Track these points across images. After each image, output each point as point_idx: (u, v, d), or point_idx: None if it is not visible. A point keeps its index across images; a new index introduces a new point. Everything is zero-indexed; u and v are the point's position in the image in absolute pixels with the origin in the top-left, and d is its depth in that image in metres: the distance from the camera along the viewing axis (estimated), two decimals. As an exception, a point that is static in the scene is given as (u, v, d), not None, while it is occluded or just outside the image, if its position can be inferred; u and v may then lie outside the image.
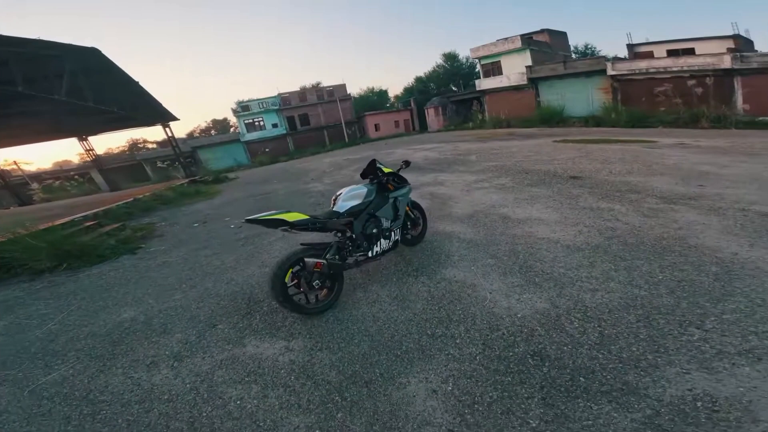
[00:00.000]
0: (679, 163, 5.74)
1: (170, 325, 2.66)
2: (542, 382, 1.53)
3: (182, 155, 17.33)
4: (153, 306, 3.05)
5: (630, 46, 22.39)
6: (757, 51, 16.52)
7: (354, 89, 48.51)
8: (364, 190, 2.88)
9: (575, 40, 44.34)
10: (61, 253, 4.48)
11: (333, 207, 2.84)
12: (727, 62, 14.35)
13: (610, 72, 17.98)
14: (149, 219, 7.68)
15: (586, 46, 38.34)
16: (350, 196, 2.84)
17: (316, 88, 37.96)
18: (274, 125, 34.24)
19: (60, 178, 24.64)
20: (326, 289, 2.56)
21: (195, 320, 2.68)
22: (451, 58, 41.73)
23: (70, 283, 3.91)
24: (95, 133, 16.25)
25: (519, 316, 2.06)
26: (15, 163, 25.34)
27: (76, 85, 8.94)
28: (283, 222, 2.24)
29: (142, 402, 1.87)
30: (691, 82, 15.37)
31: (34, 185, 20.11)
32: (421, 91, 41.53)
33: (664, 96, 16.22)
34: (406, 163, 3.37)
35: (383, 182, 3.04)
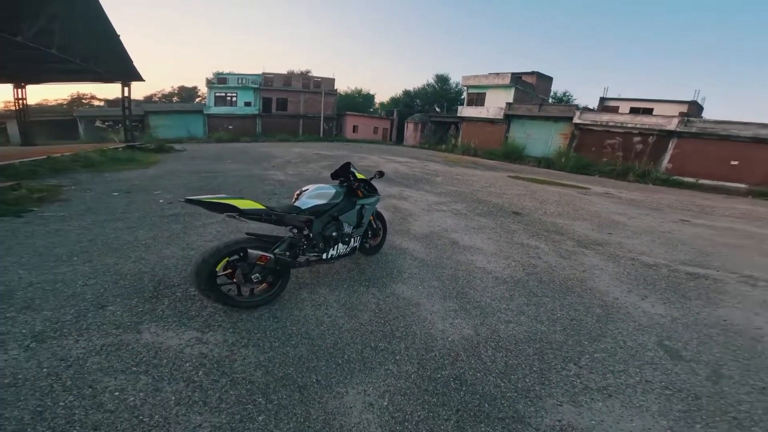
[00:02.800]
0: (600, 211, 7.07)
1: (39, 301, 2.39)
2: (458, 406, 1.88)
3: (129, 118, 15.83)
4: (22, 277, 2.72)
5: (602, 99, 26.42)
6: (702, 117, 20.36)
7: (341, 86, 50.31)
8: (333, 191, 2.93)
9: (559, 86, 51.00)
10: None
11: (294, 201, 2.83)
12: (673, 124, 17.51)
13: (576, 120, 20.85)
14: (57, 181, 6.76)
15: (564, 93, 43.31)
16: (316, 194, 2.87)
17: (304, 76, 37.74)
18: (247, 104, 33.61)
19: None
20: (267, 283, 2.56)
21: (77, 298, 2.47)
22: (442, 80, 44.48)
23: None
24: (40, 82, 14.18)
25: (449, 339, 2.47)
26: None
27: (47, 28, 7.74)
28: (233, 208, 2.15)
29: None
30: (636, 139, 18.50)
31: None
32: (406, 105, 43.84)
33: (610, 148, 19.42)
34: (380, 174, 3.56)
35: (353, 187, 3.13)
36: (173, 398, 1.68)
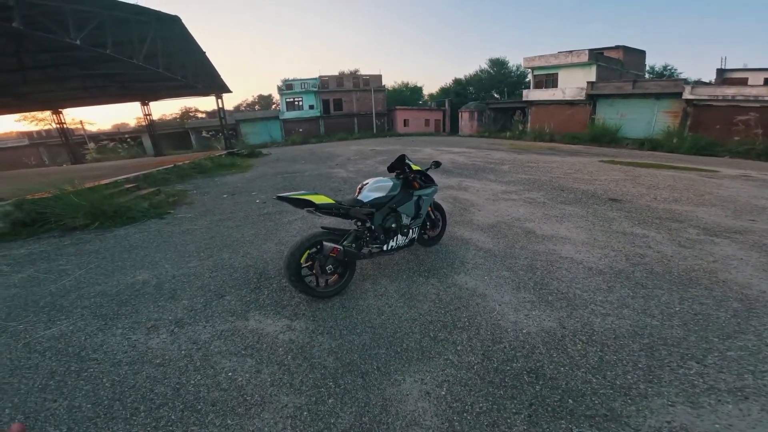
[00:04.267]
0: (735, 196, 5.51)
1: (180, 292, 2.93)
2: (532, 400, 1.71)
3: (226, 127, 19.06)
4: (167, 271, 3.37)
5: (720, 71, 22.14)
6: None
7: (388, 81, 51.62)
8: (390, 183, 3.05)
9: (655, 60, 44.37)
10: (97, 212, 5.05)
11: (357, 195, 2.98)
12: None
13: (686, 96, 17.77)
14: (183, 186, 8.49)
15: (665, 67, 37.38)
16: (376, 187, 3.00)
17: (354, 75, 39.94)
18: (311, 107, 37.01)
19: (115, 139, 28.04)
20: (337, 275, 2.78)
21: (205, 289, 2.97)
22: (498, 64, 42.27)
23: (96, 242, 4.40)
24: (157, 98, 18.00)
25: (524, 331, 2.24)
26: (81, 122, 28.59)
27: (152, 51, 9.96)
28: (310, 203, 2.46)
29: (133, 364, 2.04)
30: (782, 113, 14.42)
31: (91, 145, 23.04)
32: (457, 93, 42.58)
33: (744, 125, 15.66)
34: (436, 164, 3.54)
35: (410, 179, 3.21)
36: (269, 379, 1.92)
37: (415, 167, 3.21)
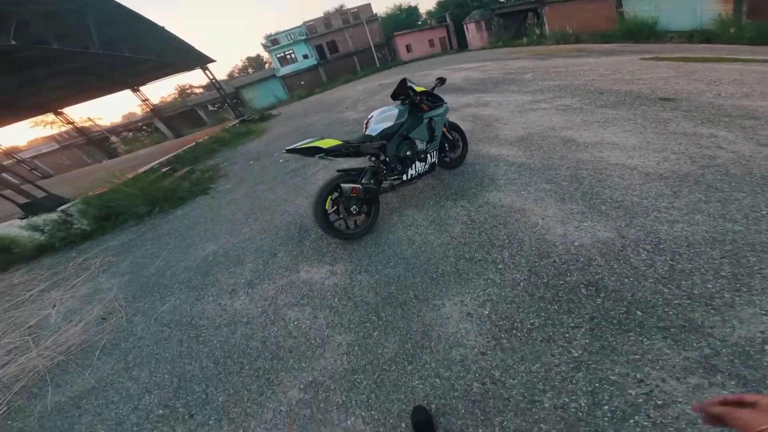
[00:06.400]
0: None
1: (243, 257, 3.14)
2: (593, 313, 1.55)
3: (228, 96, 18.69)
4: (228, 240, 3.60)
5: None
6: None
7: (379, 9, 47.85)
8: (395, 111, 2.87)
9: None
10: (151, 198, 5.50)
11: (366, 131, 2.88)
12: None
13: None
14: (213, 161, 8.80)
15: None
16: (382, 118, 2.85)
17: (340, 12, 36.62)
18: (305, 56, 34.94)
19: (131, 129, 28.37)
20: (364, 214, 2.77)
21: (260, 251, 3.14)
22: None
23: (164, 225, 4.71)
24: (143, 82, 17.34)
25: (576, 244, 2.01)
26: (90, 119, 28.17)
27: (106, 37, 9.48)
28: (319, 149, 2.38)
29: (229, 325, 2.26)
30: None
31: (113, 138, 23.52)
32: (458, 5, 37.85)
33: None
34: (441, 81, 3.22)
35: (416, 102, 2.97)
36: (324, 323, 2.03)
37: (418, 89, 2.97)
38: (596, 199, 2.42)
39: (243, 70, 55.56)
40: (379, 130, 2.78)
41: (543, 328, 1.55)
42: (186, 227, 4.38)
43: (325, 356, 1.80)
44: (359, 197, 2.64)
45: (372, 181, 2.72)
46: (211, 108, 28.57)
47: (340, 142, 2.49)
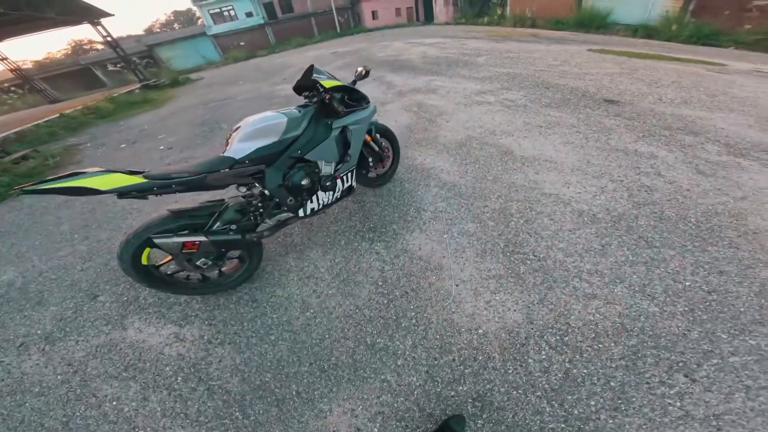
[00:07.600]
0: (754, 97, 4.45)
1: (47, 294, 2.49)
2: None
3: (135, 55, 16.16)
4: (35, 265, 2.83)
5: None
6: None
7: None
8: (283, 120, 1.92)
9: None
10: None
11: (226, 150, 1.86)
12: None
13: None
14: (76, 139, 7.13)
15: None
16: (257, 130, 1.85)
17: None
18: (248, 14, 31.39)
19: None
20: (236, 260, 2.13)
21: (75, 288, 2.48)
22: None
23: None
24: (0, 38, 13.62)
25: (480, 332, 1.81)
26: None
27: None
28: (93, 191, 1.34)
29: (14, 394, 1.82)
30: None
31: None
32: None
33: (759, 12, 12.56)
34: (365, 72, 2.33)
35: (326, 102, 2.10)
36: (159, 409, 1.65)
37: (329, 83, 2.07)
38: (518, 254, 2.19)
39: (167, 25, 48.85)
40: (250, 151, 1.80)
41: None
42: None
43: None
44: (206, 251, 1.85)
45: (235, 227, 1.88)
46: (111, 68, 24.52)
47: (138, 181, 1.48)
